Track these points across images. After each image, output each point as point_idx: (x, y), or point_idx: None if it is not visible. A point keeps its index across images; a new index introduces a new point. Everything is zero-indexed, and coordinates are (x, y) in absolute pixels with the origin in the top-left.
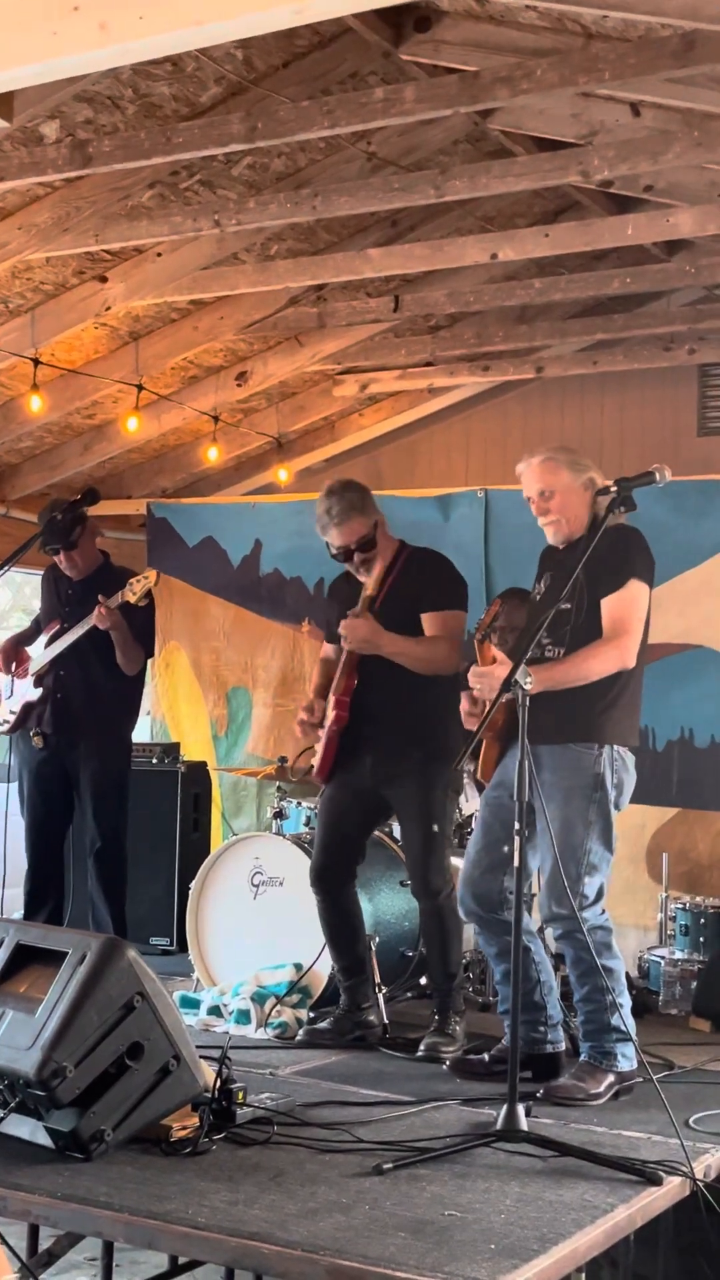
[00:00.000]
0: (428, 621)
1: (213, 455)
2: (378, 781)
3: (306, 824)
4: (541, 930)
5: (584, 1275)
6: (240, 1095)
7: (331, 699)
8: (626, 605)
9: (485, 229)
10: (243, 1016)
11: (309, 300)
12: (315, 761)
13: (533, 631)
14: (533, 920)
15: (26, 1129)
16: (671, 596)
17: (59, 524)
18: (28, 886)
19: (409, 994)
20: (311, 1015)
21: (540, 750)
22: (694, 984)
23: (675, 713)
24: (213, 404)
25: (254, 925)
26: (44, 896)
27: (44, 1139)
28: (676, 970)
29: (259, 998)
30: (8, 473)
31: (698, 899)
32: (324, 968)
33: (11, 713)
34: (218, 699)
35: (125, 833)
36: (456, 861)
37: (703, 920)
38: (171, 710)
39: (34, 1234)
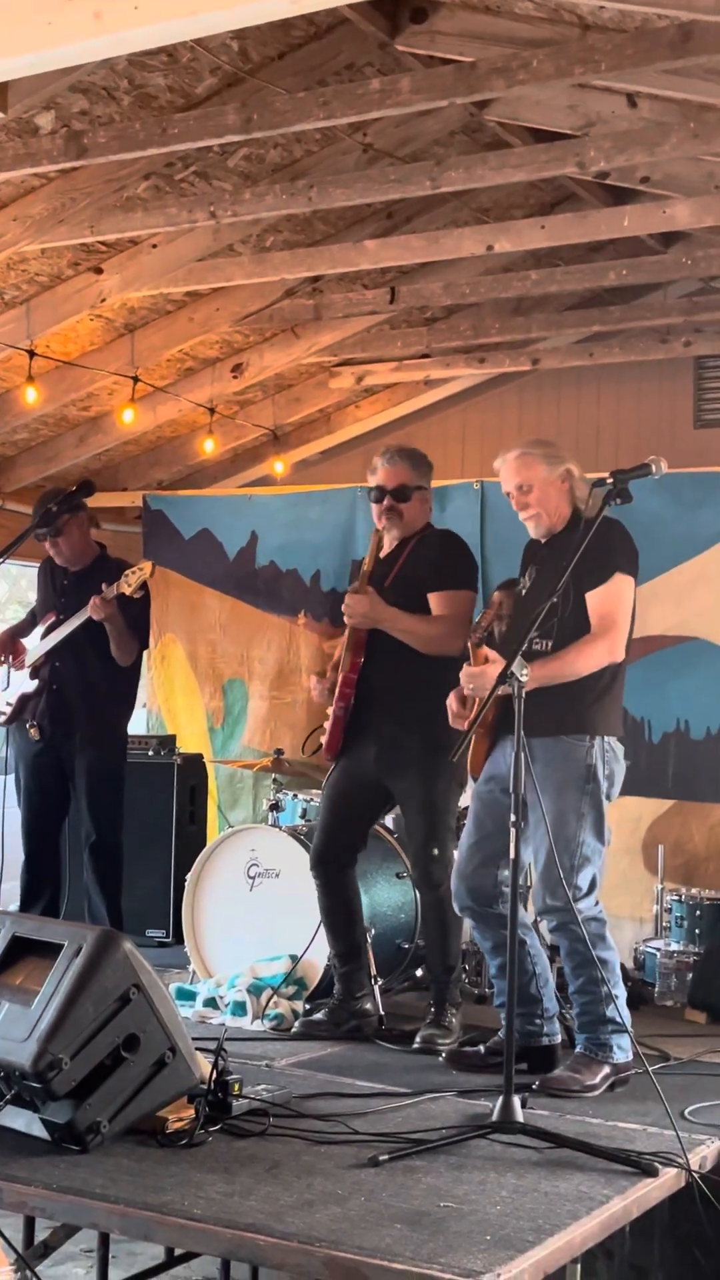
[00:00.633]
0: (434, 601)
1: (209, 447)
2: (381, 771)
3: (303, 816)
4: (536, 923)
5: (580, 1266)
6: (236, 1087)
7: (340, 676)
8: (612, 599)
9: (481, 220)
10: (239, 1008)
11: (305, 292)
12: (324, 740)
13: (526, 626)
14: (528, 913)
15: (23, 1121)
16: (668, 588)
17: (54, 514)
18: (24, 879)
19: (405, 985)
20: (307, 1007)
21: (532, 743)
22: (689, 976)
23: (671, 704)
24: (209, 396)
25: (250, 917)
26: (40, 889)
27: (40, 1131)
28: (672, 962)
29: (255, 989)
30: (3, 465)
31: (693, 891)
32: (320, 960)
33: (8, 705)
34: (214, 691)
35: (121, 825)
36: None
37: (698, 912)
38: (167, 703)
39: (30, 1226)
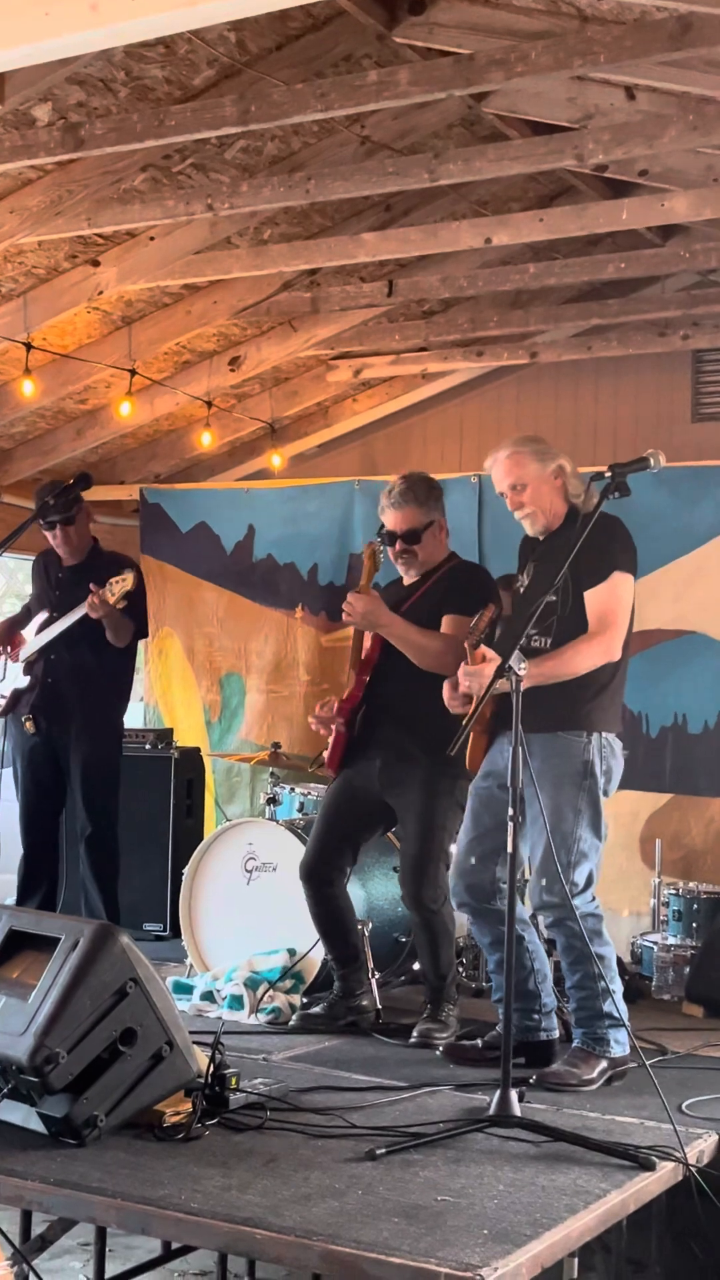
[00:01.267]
0: (445, 623)
1: (206, 440)
2: (383, 786)
3: (300, 810)
4: (534, 918)
5: (577, 1260)
6: (233, 1081)
7: (344, 693)
8: (611, 598)
9: (479, 213)
10: (236, 1002)
11: (302, 285)
12: (325, 754)
13: (523, 621)
14: (525, 908)
15: (19, 1115)
16: (666, 583)
17: (54, 506)
18: (21, 872)
19: (402, 979)
20: (305, 1001)
21: (530, 738)
22: (687, 969)
23: (669, 699)
24: (206, 389)
25: (247, 911)
26: (38, 882)
27: (37, 1125)
28: (670, 956)
29: (252, 983)
30: (0, 458)
31: (691, 885)
32: (316, 953)
33: (1, 696)
34: (211, 685)
35: (116, 818)
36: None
37: (696, 906)
38: (165, 696)
39: (27, 1220)
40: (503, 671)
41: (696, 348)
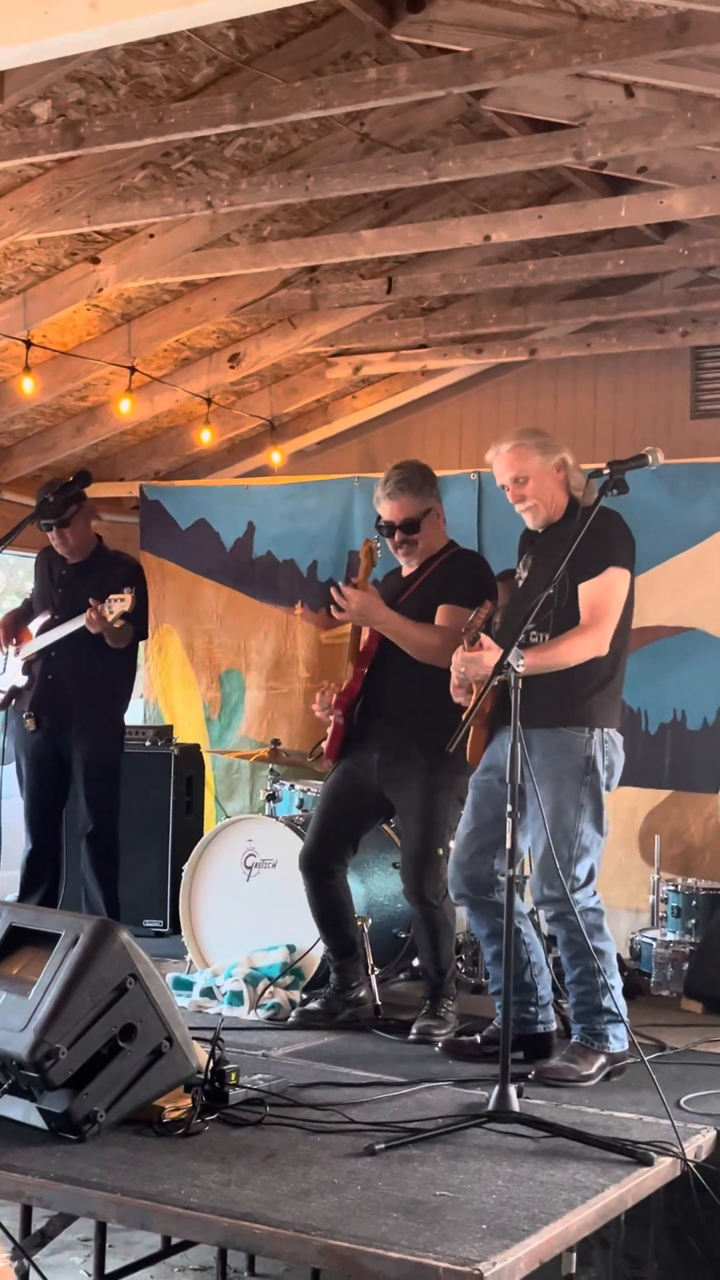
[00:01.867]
0: (441, 613)
1: (205, 437)
2: (382, 780)
3: (299, 806)
4: (533, 912)
5: (575, 1255)
6: (233, 1076)
7: (342, 685)
8: (604, 592)
9: (479, 210)
10: (235, 998)
11: (302, 282)
12: (324, 745)
13: (523, 616)
14: (524, 902)
15: (19, 1110)
16: (665, 579)
17: (52, 504)
18: (25, 868)
19: (401, 975)
20: (304, 997)
21: (531, 734)
22: (685, 966)
23: (668, 695)
24: (205, 386)
25: (247, 907)
26: (41, 878)
27: (37, 1120)
28: (668, 952)
29: (252, 979)
30: (0, 455)
31: (690, 881)
32: (317, 950)
33: (1, 691)
34: (210, 682)
35: (118, 815)
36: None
37: (694, 902)
38: (164, 693)
39: (27, 1215)
40: (501, 667)
41: (695, 344)
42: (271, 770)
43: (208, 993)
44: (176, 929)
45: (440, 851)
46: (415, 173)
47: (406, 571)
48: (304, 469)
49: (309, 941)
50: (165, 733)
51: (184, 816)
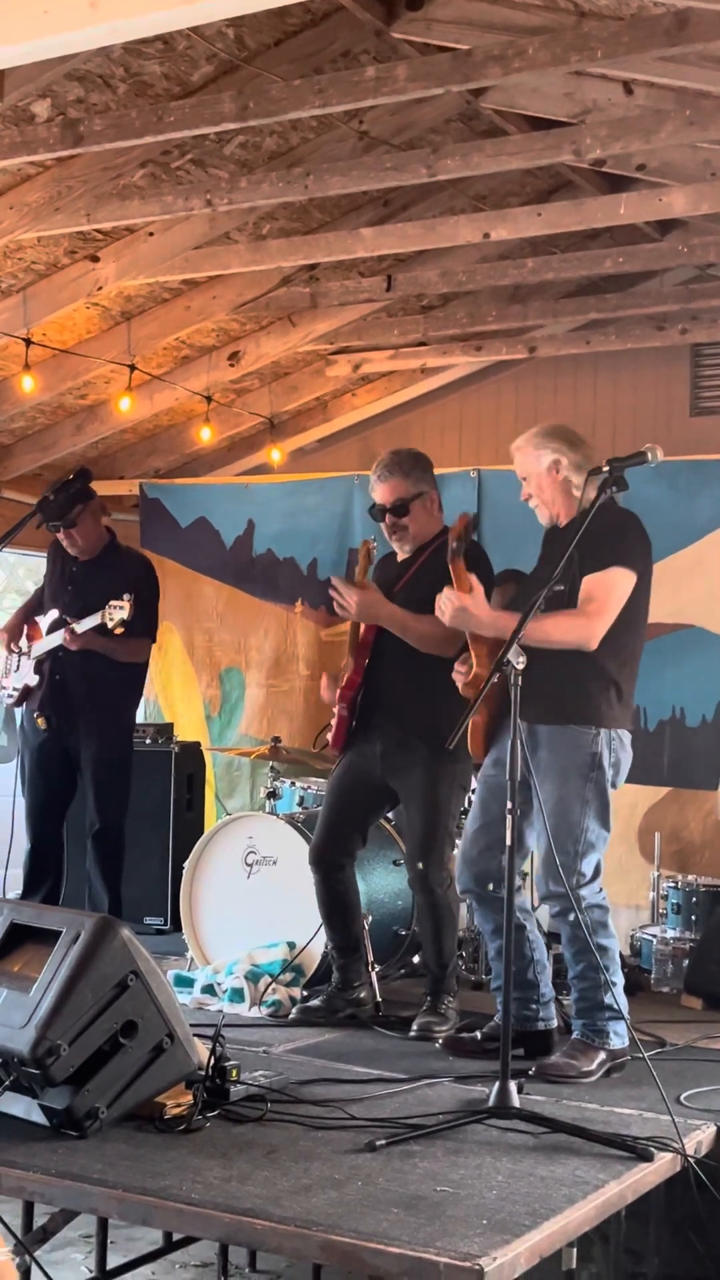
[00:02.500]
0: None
1: (205, 436)
2: (385, 771)
3: (300, 804)
4: (536, 908)
5: (575, 1250)
6: (234, 1073)
7: (344, 677)
8: (602, 586)
9: (478, 208)
10: (236, 995)
11: (301, 280)
12: (329, 736)
13: (525, 611)
14: (528, 899)
15: (21, 1107)
16: (664, 576)
17: (54, 503)
18: (27, 865)
19: (402, 972)
20: (305, 994)
21: (539, 729)
22: (685, 962)
23: (667, 692)
24: (205, 384)
25: (247, 904)
26: (43, 876)
27: (39, 1117)
28: (668, 949)
29: (252, 976)
30: (0, 454)
31: (689, 878)
32: (317, 947)
33: (15, 689)
34: (211, 679)
35: (125, 815)
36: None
37: (694, 899)
38: (165, 691)
39: (29, 1211)
40: (500, 665)
41: (695, 342)
42: (272, 768)
43: (209, 990)
44: (177, 926)
45: (445, 838)
46: (414, 171)
47: (401, 557)
48: (304, 467)
49: (309, 937)
50: (166, 730)
51: (184, 814)
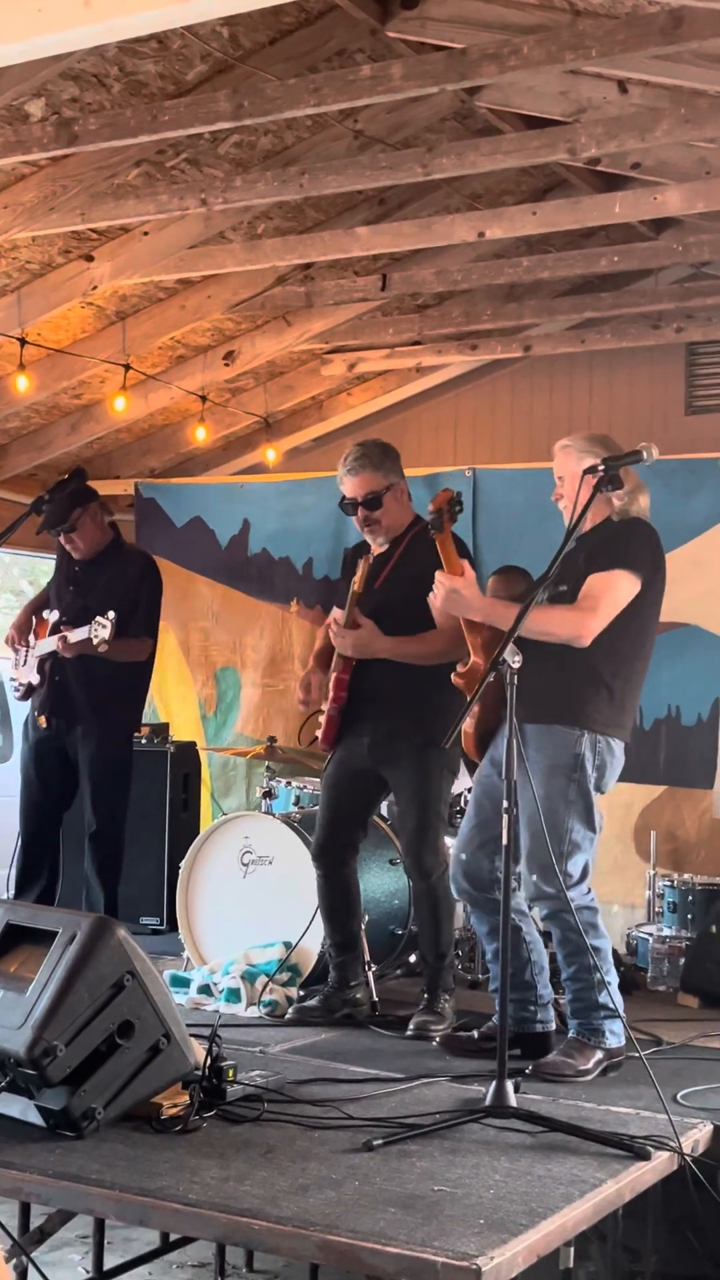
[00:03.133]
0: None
1: (201, 435)
2: (376, 761)
3: (296, 803)
4: (532, 909)
5: (573, 1249)
6: (230, 1073)
7: (332, 677)
8: (602, 585)
9: (473, 207)
10: (233, 995)
11: (296, 279)
12: (319, 733)
13: (523, 609)
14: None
15: (18, 1108)
16: None
17: (50, 507)
18: (19, 863)
19: (398, 972)
20: (301, 993)
21: (527, 729)
22: (682, 960)
23: (662, 691)
24: (200, 384)
25: (244, 904)
26: (35, 876)
27: (35, 1117)
28: (664, 947)
29: (249, 976)
30: None
31: (685, 876)
32: (314, 946)
33: (20, 685)
34: (206, 679)
35: (124, 817)
36: (449, 841)
37: (690, 897)
38: (160, 690)
39: (25, 1212)
40: (496, 665)
41: (690, 340)
42: (268, 767)
43: (205, 990)
44: (173, 926)
45: (438, 824)
46: (409, 170)
47: (377, 551)
48: (299, 466)
49: (307, 938)
50: (161, 730)
51: (180, 814)
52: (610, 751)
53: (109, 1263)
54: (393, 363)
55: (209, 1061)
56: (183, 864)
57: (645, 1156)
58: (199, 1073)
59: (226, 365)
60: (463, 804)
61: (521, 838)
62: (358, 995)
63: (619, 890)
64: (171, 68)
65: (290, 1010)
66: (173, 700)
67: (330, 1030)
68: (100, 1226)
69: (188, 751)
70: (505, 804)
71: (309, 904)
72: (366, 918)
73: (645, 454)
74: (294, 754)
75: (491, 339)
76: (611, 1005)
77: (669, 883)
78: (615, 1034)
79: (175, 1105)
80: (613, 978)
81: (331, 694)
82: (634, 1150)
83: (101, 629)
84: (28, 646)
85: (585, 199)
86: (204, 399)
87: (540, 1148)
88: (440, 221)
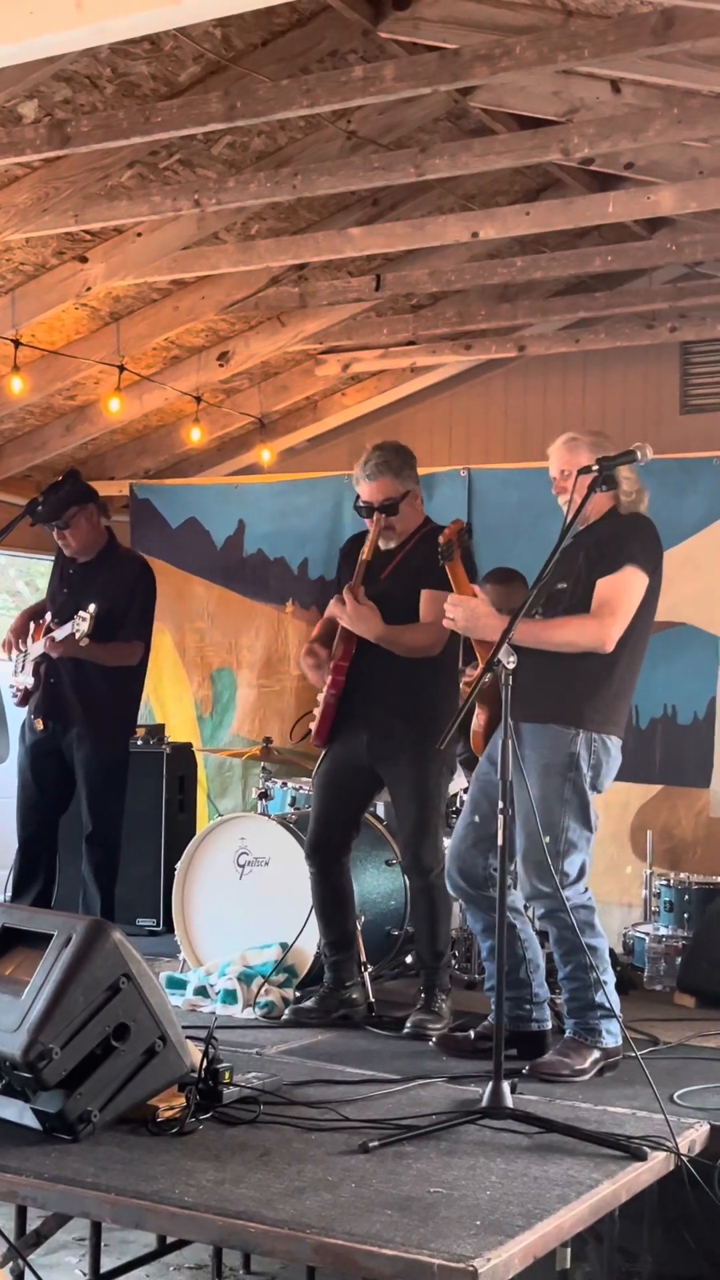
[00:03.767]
0: (425, 599)
1: (195, 436)
2: (373, 759)
3: (292, 804)
4: (528, 908)
5: (569, 1250)
6: (227, 1075)
7: (330, 664)
8: (617, 588)
9: (466, 207)
10: (229, 996)
11: (290, 280)
12: (313, 726)
13: (516, 611)
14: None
15: (13, 1111)
16: None
17: (45, 506)
18: (16, 866)
19: (395, 972)
20: (297, 994)
21: (523, 728)
22: (678, 960)
23: (658, 690)
24: (195, 384)
25: (240, 905)
26: (32, 878)
27: (31, 1120)
28: (661, 946)
29: (245, 977)
30: None
31: (681, 875)
32: (310, 948)
33: (18, 690)
34: (202, 680)
35: (120, 820)
36: (447, 840)
37: (686, 896)
38: (156, 691)
39: (21, 1215)
40: (492, 666)
41: (684, 340)
42: (264, 768)
43: (201, 991)
44: (169, 928)
45: (436, 822)
46: (403, 170)
47: (382, 547)
48: (294, 467)
49: (303, 940)
50: (157, 731)
51: (176, 815)
52: (606, 750)
53: (106, 1265)
54: (387, 363)
55: (205, 1063)
56: (179, 865)
57: (642, 1157)
58: (195, 1075)
59: (221, 366)
60: (459, 804)
61: (517, 837)
62: (354, 996)
63: (615, 889)
64: (164, 69)
65: (287, 1011)
66: (169, 701)
67: (327, 1031)
68: (97, 1229)
69: (183, 753)
70: (500, 804)
71: (305, 905)
72: (363, 918)
73: (639, 454)
74: (290, 755)
75: (486, 339)
76: (608, 1005)
77: (665, 882)
78: (612, 1034)
79: (171, 1108)
80: (609, 977)
81: (330, 678)
82: (630, 1151)
83: (81, 622)
84: (23, 652)
85: (579, 199)
86: (198, 400)
87: (537, 1149)
88: (434, 222)
